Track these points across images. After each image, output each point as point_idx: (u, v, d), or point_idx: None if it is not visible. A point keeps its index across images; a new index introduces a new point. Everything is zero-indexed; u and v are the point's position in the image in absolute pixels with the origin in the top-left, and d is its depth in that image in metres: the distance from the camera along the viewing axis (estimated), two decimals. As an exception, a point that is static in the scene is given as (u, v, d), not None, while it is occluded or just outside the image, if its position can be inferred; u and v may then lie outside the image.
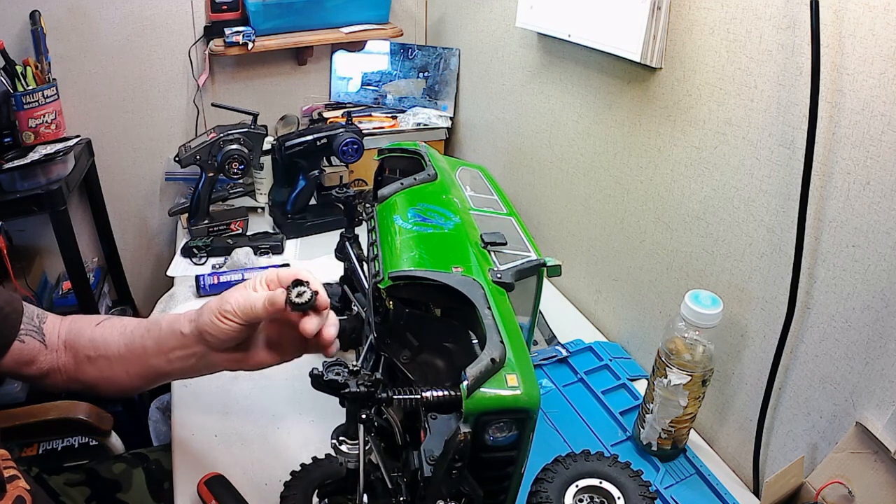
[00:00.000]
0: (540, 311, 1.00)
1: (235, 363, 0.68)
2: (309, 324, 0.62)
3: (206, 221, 1.37)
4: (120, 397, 0.71)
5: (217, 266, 1.27)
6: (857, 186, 0.64)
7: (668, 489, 0.80)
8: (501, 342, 0.56)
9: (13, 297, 0.70)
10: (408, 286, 0.66)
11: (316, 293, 0.61)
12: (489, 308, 0.60)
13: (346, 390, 0.56)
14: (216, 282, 1.16)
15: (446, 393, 0.57)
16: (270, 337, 0.69)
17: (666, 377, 0.77)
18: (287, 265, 1.21)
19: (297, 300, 0.60)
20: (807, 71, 0.64)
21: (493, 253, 0.72)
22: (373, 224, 0.80)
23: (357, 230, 0.99)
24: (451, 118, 1.59)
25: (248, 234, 1.38)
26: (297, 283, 0.61)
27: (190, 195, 1.39)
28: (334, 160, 1.39)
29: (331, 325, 0.65)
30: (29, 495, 0.59)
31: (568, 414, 0.91)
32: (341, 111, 1.62)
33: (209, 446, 0.84)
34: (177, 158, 1.30)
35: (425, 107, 1.61)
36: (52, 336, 0.71)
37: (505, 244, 0.74)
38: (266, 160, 1.44)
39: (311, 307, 0.61)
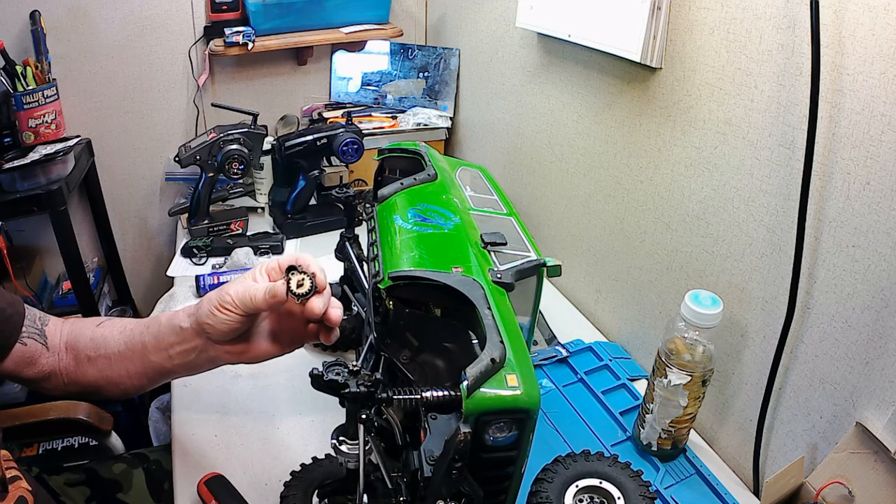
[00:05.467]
0: (540, 311, 1.00)
1: (236, 356, 0.68)
2: (315, 304, 0.62)
3: (206, 221, 1.37)
4: (121, 399, 0.71)
5: (217, 266, 1.27)
6: (857, 186, 0.64)
7: (668, 489, 0.80)
8: (501, 342, 0.56)
9: (15, 299, 0.70)
10: (408, 286, 0.66)
11: (314, 276, 0.62)
12: (489, 308, 0.60)
13: (346, 390, 0.56)
14: (216, 282, 1.16)
15: (446, 393, 0.57)
16: (271, 328, 0.70)
17: (666, 377, 0.77)
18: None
19: (299, 290, 0.61)
20: (807, 71, 0.64)
21: (493, 253, 0.72)
22: (373, 224, 0.80)
23: (357, 230, 0.99)
24: (451, 118, 1.59)
25: (248, 234, 1.38)
26: (292, 269, 0.62)
27: (190, 195, 1.39)
28: (334, 160, 1.39)
29: (335, 306, 0.65)
30: (31, 496, 0.59)
31: (568, 414, 0.91)
32: (341, 111, 1.62)
33: (209, 446, 0.84)
34: (177, 158, 1.30)
35: (425, 107, 1.61)
36: (53, 338, 0.70)
37: (505, 244, 0.74)
38: (266, 160, 1.44)
39: (310, 297, 0.62)
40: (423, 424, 0.57)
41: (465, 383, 0.52)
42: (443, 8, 1.60)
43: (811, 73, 0.63)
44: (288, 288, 0.61)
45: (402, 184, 0.84)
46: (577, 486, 0.62)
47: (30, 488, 0.60)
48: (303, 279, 0.61)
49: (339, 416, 0.59)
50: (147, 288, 1.74)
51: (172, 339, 0.67)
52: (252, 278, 0.65)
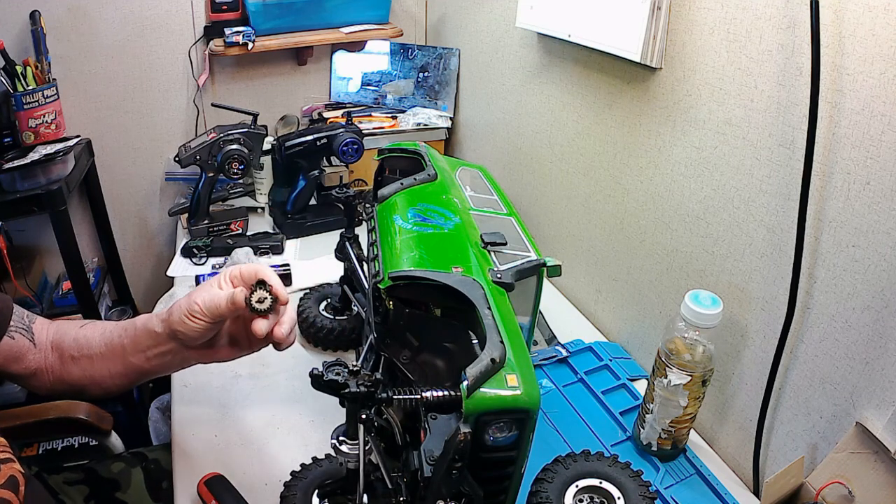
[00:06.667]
0: (540, 311, 1.01)
1: (206, 356, 0.72)
2: (259, 326, 0.66)
3: (206, 221, 1.37)
4: (104, 398, 0.75)
5: (217, 266, 1.27)
6: (857, 186, 0.64)
7: (668, 489, 0.80)
8: (501, 342, 0.56)
9: (3, 295, 0.71)
10: (408, 286, 0.66)
11: (276, 299, 0.65)
12: (489, 308, 0.60)
13: (346, 390, 0.56)
14: (216, 282, 1.16)
15: (446, 393, 0.57)
16: (233, 331, 0.73)
17: (666, 377, 0.77)
18: (287, 265, 1.21)
19: (258, 305, 0.64)
20: (807, 71, 0.64)
21: (493, 253, 0.72)
22: (373, 224, 0.80)
23: (357, 230, 0.99)
24: (451, 118, 1.59)
25: (248, 234, 1.38)
26: (261, 284, 0.65)
27: (190, 195, 1.39)
28: (334, 160, 1.39)
29: (284, 322, 0.68)
30: (22, 477, 0.60)
31: (568, 414, 0.91)
32: (341, 111, 1.62)
33: (209, 446, 0.84)
34: (177, 158, 1.30)
35: (425, 107, 1.61)
36: (40, 336, 0.73)
37: (505, 244, 0.74)
38: (266, 160, 1.44)
39: (269, 312, 0.65)
40: (423, 424, 0.57)
41: (465, 383, 0.52)
42: (443, 8, 1.60)
43: (811, 73, 0.63)
44: (248, 299, 0.64)
45: (402, 184, 0.84)
46: (577, 486, 0.62)
47: (22, 471, 0.60)
48: (265, 297, 0.64)
49: (339, 416, 0.59)
50: (147, 288, 1.74)
51: (149, 342, 0.70)
52: (217, 285, 0.68)
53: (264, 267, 0.67)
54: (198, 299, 0.66)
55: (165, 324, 0.68)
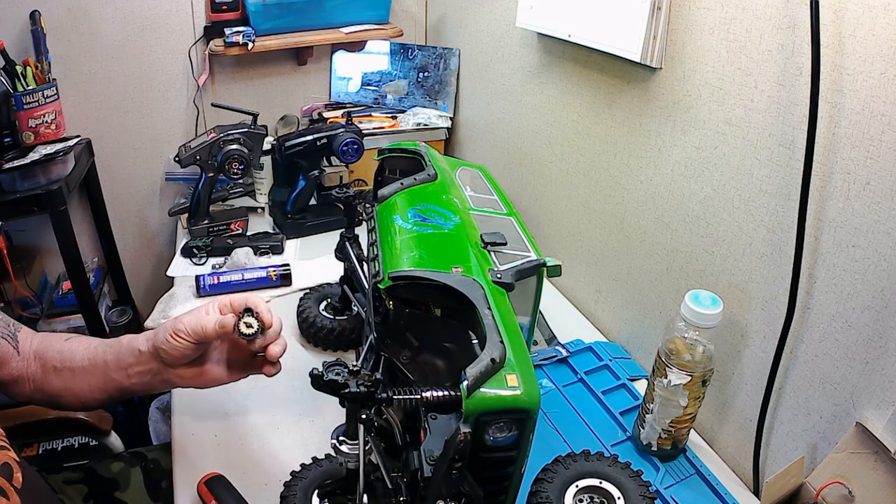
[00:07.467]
0: (540, 311, 1.00)
1: (189, 380, 0.74)
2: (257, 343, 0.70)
3: (206, 221, 1.37)
4: (81, 411, 0.78)
5: (217, 266, 1.27)
6: (857, 186, 0.64)
7: (668, 489, 0.80)
8: (501, 342, 0.56)
9: None
10: (408, 286, 0.66)
11: (262, 325, 0.68)
12: (489, 308, 0.60)
13: (346, 390, 0.56)
14: (216, 282, 1.16)
15: (446, 393, 0.57)
16: (222, 356, 0.75)
17: (666, 377, 0.77)
18: (287, 266, 1.21)
19: (246, 331, 0.67)
20: (807, 71, 0.64)
21: (493, 253, 0.72)
22: (373, 224, 0.80)
23: (357, 230, 0.99)
24: (451, 118, 1.59)
25: (248, 234, 1.38)
26: (248, 311, 0.68)
27: (190, 195, 1.39)
28: (334, 160, 1.39)
29: (277, 344, 0.71)
30: (18, 466, 0.60)
31: (568, 414, 0.91)
32: (341, 111, 1.62)
33: (209, 446, 0.84)
34: (177, 158, 1.30)
35: (425, 107, 1.61)
36: (24, 344, 0.74)
37: (505, 244, 0.74)
38: (266, 160, 1.44)
39: (256, 338, 0.68)
40: (423, 424, 0.57)
41: (465, 383, 0.52)
42: (443, 8, 1.60)
43: (811, 73, 0.63)
44: (236, 326, 0.67)
45: (402, 184, 0.84)
46: (577, 486, 0.62)
47: (17, 459, 0.61)
48: (252, 322, 0.68)
49: (339, 416, 0.59)
50: (147, 288, 1.74)
51: (131, 359, 0.72)
52: (205, 311, 0.70)
53: (254, 296, 0.70)
54: (184, 319, 0.69)
55: (150, 342, 0.71)
